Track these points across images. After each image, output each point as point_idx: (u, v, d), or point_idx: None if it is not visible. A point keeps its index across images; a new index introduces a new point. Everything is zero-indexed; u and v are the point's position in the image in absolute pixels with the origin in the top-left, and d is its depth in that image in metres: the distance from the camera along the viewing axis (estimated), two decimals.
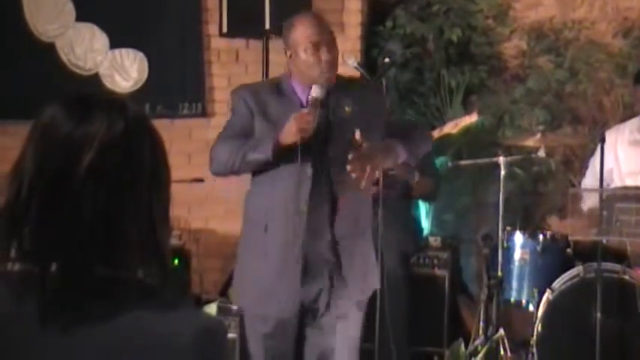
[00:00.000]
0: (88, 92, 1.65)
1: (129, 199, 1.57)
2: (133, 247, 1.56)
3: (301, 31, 4.10)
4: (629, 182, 5.78)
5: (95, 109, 1.59)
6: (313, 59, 4.05)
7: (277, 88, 4.18)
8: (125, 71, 6.98)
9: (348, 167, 3.90)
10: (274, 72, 6.49)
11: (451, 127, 6.08)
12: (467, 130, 6.21)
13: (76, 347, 1.54)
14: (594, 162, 5.82)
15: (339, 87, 4.11)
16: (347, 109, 4.07)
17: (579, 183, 6.41)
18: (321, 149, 4.05)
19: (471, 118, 6.09)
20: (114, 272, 1.55)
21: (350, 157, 3.91)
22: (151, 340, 1.54)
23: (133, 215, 1.57)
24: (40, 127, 1.60)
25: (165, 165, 1.64)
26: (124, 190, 1.57)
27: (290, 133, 3.95)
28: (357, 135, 3.92)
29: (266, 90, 4.19)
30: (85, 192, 1.55)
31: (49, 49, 6.98)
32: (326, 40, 4.08)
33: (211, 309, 4.92)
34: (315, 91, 4.02)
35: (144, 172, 1.60)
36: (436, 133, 6.11)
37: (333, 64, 4.08)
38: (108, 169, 1.56)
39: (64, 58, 6.99)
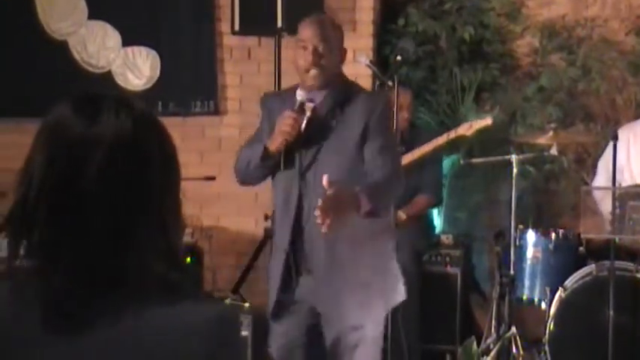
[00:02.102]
0: (95, 91, 1.64)
1: (138, 197, 1.57)
2: (144, 246, 1.55)
3: (298, 35, 4.12)
4: None
5: (103, 108, 1.59)
6: (301, 63, 4.05)
7: (292, 93, 4.17)
8: (137, 69, 6.99)
9: (316, 212, 3.77)
10: (286, 70, 6.50)
11: (465, 129, 6.09)
12: (480, 132, 6.20)
13: (85, 347, 1.53)
14: (604, 161, 5.81)
15: (335, 95, 4.08)
16: (332, 124, 4.03)
17: (591, 181, 6.39)
18: (309, 156, 4.04)
19: (486, 122, 6.09)
20: (124, 271, 1.54)
21: (318, 202, 3.78)
22: (164, 332, 1.53)
23: (142, 214, 1.56)
24: (47, 128, 1.59)
25: (174, 162, 1.63)
26: (133, 189, 1.56)
27: (275, 137, 3.99)
28: (325, 181, 3.77)
29: (283, 95, 4.20)
30: (95, 192, 1.54)
31: (62, 47, 6.99)
32: (317, 43, 4.03)
33: None
34: (299, 95, 4.02)
35: (153, 169, 1.59)
36: (450, 135, 6.12)
37: (319, 68, 4.03)
38: (117, 168, 1.56)
39: (76, 56, 7.01)
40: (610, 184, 5.35)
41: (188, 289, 1.59)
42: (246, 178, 4.20)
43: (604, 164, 5.83)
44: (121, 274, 1.54)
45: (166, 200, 1.60)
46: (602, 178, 5.88)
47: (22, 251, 1.57)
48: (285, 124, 3.96)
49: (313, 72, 4.04)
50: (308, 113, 4.03)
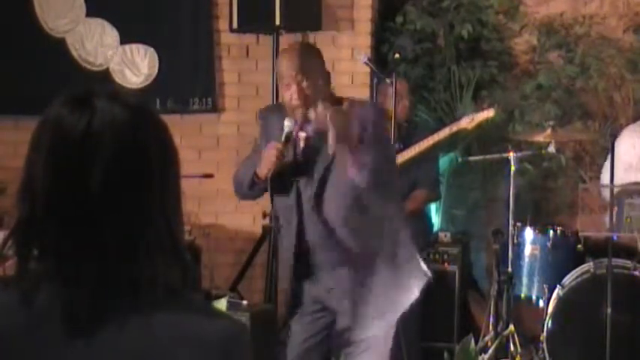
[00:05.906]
0: (86, 88, 1.61)
1: (143, 193, 1.55)
2: (152, 246, 1.54)
3: (279, 67, 4.12)
4: None
5: (97, 103, 1.56)
6: (287, 99, 4.02)
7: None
8: (135, 66, 6.99)
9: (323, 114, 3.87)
10: None
11: (467, 122, 6.05)
12: (481, 125, 6.19)
13: (95, 354, 1.52)
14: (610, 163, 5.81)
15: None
16: (329, 151, 3.95)
17: (590, 179, 6.39)
18: (313, 186, 4.04)
19: (488, 114, 6.06)
20: (136, 273, 1.53)
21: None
22: (174, 343, 1.52)
23: (148, 211, 1.55)
24: (45, 132, 1.57)
25: (174, 152, 1.61)
26: (137, 184, 1.55)
27: (262, 166, 4.04)
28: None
29: (281, 110, 4.15)
30: (102, 194, 1.52)
31: (60, 44, 6.99)
32: (299, 79, 3.96)
33: (221, 304, 4.93)
34: (287, 126, 4.00)
35: (154, 161, 1.56)
36: (452, 128, 6.10)
37: (307, 104, 3.97)
38: (121, 165, 1.54)
39: (74, 53, 7.00)
40: (619, 183, 5.36)
41: (193, 294, 1.58)
42: (242, 195, 4.31)
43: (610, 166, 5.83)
44: (132, 277, 1.53)
45: (169, 194, 1.58)
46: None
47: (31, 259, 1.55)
48: (270, 155, 4.00)
49: (302, 110, 4.00)
50: (301, 144, 4.04)
